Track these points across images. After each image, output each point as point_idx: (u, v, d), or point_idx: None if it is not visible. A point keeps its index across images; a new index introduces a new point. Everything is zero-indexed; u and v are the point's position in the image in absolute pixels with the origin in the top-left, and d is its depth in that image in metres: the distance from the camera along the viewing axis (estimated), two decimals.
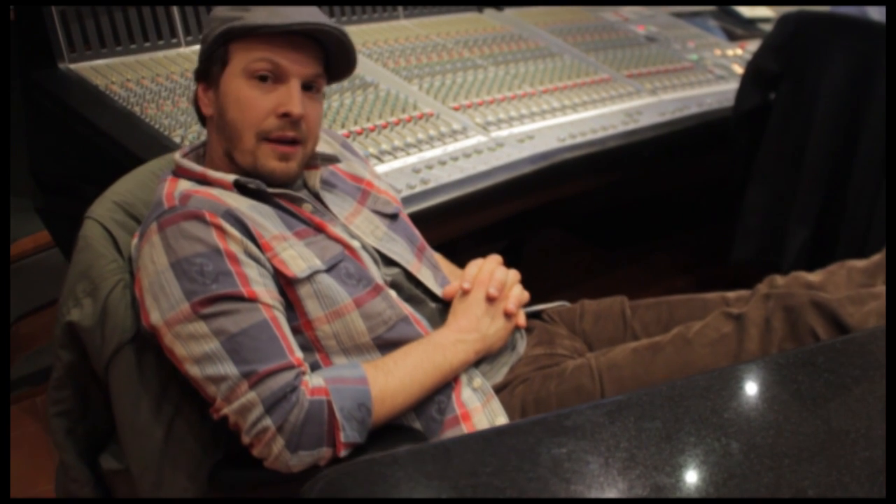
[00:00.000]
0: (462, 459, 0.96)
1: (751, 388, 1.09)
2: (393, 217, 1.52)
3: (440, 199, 1.86)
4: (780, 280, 1.58)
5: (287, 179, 1.39)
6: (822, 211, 2.37)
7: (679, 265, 3.16)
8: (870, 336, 1.22)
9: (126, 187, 1.45)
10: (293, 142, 1.37)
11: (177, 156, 1.43)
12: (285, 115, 1.34)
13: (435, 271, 1.51)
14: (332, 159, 1.49)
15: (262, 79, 1.34)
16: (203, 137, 1.50)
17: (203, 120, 1.44)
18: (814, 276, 1.59)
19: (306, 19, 1.34)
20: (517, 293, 1.48)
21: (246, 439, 1.24)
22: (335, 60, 1.41)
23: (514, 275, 1.50)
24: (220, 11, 1.37)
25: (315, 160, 1.46)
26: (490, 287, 1.44)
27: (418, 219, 1.73)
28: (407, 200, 1.80)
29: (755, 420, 1.01)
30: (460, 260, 1.59)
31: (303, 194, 1.42)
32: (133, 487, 1.36)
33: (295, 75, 1.35)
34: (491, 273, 1.47)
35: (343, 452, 1.24)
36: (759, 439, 0.96)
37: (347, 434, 1.23)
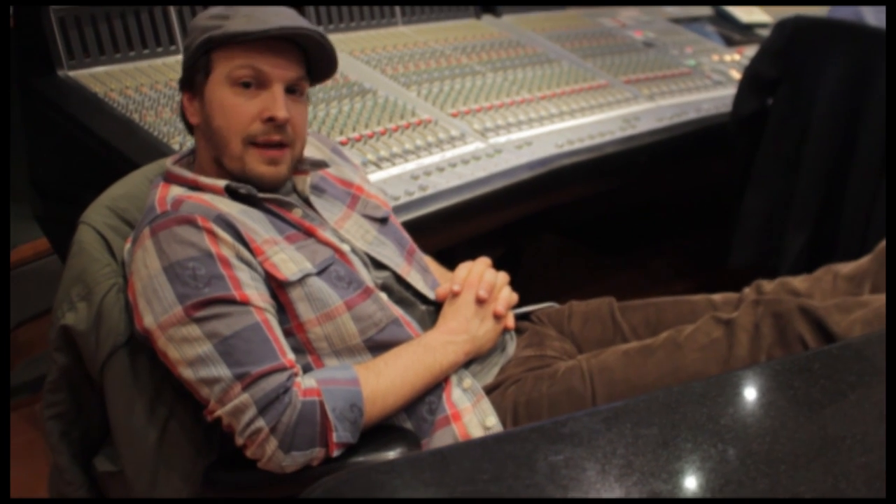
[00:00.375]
0: (459, 467, 0.97)
1: (747, 395, 1.10)
2: (383, 221, 1.54)
3: (438, 205, 1.86)
4: (766, 286, 1.60)
5: (276, 183, 1.41)
6: (820, 215, 2.37)
7: (677, 270, 3.16)
8: (866, 342, 1.22)
9: (119, 192, 1.47)
10: (280, 145, 1.38)
11: (168, 163, 1.45)
12: (270, 120, 1.35)
13: (424, 274, 1.52)
14: (320, 164, 1.51)
15: (246, 85, 1.36)
16: None
17: (190, 128, 1.45)
18: (800, 283, 1.61)
19: (284, 24, 1.35)
20: (506, 295, 1.50)
21: (239, 440, 1.25)
22: (316, 62, 1.42)
23: (503, 277, 1.52)
24: (201, 21, 1.38)
25: (304, 165, 1.47)
26: (479, 289, 1.46)
27: (417, 225, 1.73)
28: (405, 207, 1.81)
29: (752, 426, 1.01)
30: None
31: (292, 199, 1.43)
32: (127, 490, 1.38)
33: (277, 80, 1.36)
34: (480, 275, 1.48)
35: (335, 452, 1.26)
36: (756, 445, 0.96)
37: (340, 434, 1.25)
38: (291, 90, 1.39)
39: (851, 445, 0.95)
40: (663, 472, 0.92)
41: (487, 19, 2.85)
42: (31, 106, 1.95)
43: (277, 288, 1.32)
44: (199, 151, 1.44)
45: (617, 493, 0.90)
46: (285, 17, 1.37)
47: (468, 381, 1.42)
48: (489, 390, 1.43)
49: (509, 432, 1.30)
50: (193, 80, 1.40)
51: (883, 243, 1.63)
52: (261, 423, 1.22)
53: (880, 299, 1.45)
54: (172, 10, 2.12)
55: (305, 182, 1.47)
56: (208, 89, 1.38)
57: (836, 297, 1.56)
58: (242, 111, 1.36)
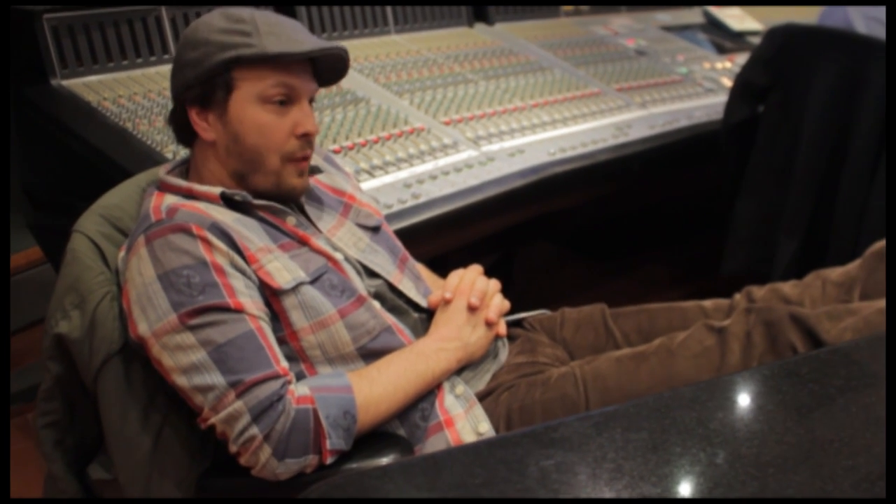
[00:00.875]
0: (451, 472, 0.97)
1: (736, 399, 1.10)
2: (375, 229, 1.54)
3: (431, 213, 1.87)
4: (757, 292, 1.61)
5: (304, 192, 1.44)
6: (812, 222, 2.38)
7: (670, 277, 3.17)
8: (854, 346, 1.23)
9: (112, 201, 1.47)
10: (306, 157, 1.42)
11: (161, 173, 1.44)
12: (305, 135, 1.38)
13: (417, 282, 1.53)
14: (313, 170, 1.52)
15: (281, 103, 1.37)
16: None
17: (185, 140, 1.44)
18: (790, 289, 1.62)
19: (320, 45, 1.38)
20: (498, 302, 1.51)
21: (233, 448, 1.25)
22: (324, 73, 1.44)
23: (494, 284, 1.53)
24: (211, 35, 1.36)
25: None
26: (471, 296, 1.47)
27: (410, 233, 1.74)
28: (398, 215, 1.81)
29: (740, 430, 1.02)
30: None
31: (287, 207, 1.44)
32: (121, 497, 1.38)
33: (305, 95, 1.39)
34: (472, 283, 1.49)
35: (329, 460, 1.26)
36: (745, 449, 0.97)
37: (333, 441, 1.25)
38: (310, 101, 1.42)
39: (839, 448, 0.96)
40: (653, 475, 0.93)
41: (480, 28, 2.86)
42: (23, 115, 1.95)
43: (271, 296, 1.33)
44: (208, 164, 1.42)
45: (607, 496, 0.91)
46: (308, 34, 1.40)
47: (460, 387, 1.42)
48: (482, 397, 1.44)
49: (501, 437, 1.31)
50: (210, 96, 1.37)
51: (871, 248, 1.64)
52: (254, 430, 1.23)
53: (870, 307, 1.46)
54: (166, 18, 2.13)
55: None
56: (234, 107, 1.37)
57: (825, 303, 1.58)
58: (278, 129, 1.37)
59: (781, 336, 1.42)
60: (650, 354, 1.45)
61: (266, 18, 1.37)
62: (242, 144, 1.38)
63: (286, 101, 1.38)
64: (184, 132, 1.42)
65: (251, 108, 1.37)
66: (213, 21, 1.38)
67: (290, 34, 1.37)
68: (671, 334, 1.50)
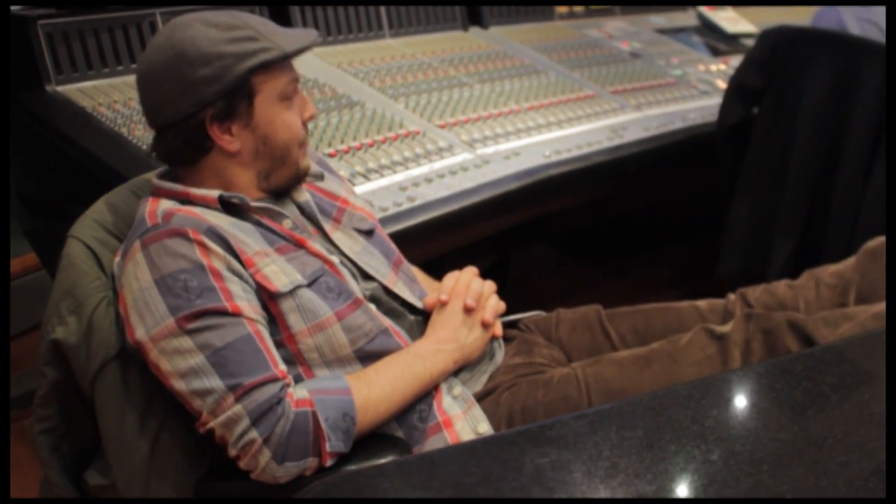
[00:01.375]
0: (447, 470, 0.98)
1: (731, 397, 1.11)
2: (369, 233, 1.55)
3: (427, 216, 1.87)
4: (751, 293, 1.62)
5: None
6: (806, 223, 2.39)
7: (666, 279, 3.17)
8: (847, 345, 1.24)
9: (107, 206, 1.47)
10: None
11: (154, 179, 1.44)
12: (310, 118, 1.45)
13: (412, 284, 1.54)
14: (318, 176, 1.52)
15: (291, 97, 1.41)
16: None
17: (190, 159, 1.40)
18: (784, 290, 1.63)
19: (313, 36, 1.42)
20: (493, 303, 1.52)
21: (232, 452, 1.25)
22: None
23: (489, 286, 1.54)
24: (221, 47, 1.33)
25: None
26: (467, 298, 1.48)
27: (405, 236, 1.74)
28: (394, 218, 1.82)
29: (735, 428, 1.02)
30: None
31: (286, 209, 1.44)
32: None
33: (298, 83, 1.43)
34: (467, 284, 1.50)
35: (328, 462, 1.26)
36: (739, 446, 0.97)
37: (333, 444, 1.25)
38: None
39: (832, 445, 0.97)
40: (648, 472, 0.93)
41: (475, 31, 2.87)
42: (18, 121, 1.95)
43: (269, 299, 1.33)
44: (224, 174, 1.40)
45: (602, 494, 0.91)
46: (293, 29, 1.45)
47: (458, 388, 1.43)
48: (480, 398, 1.45)
49: (496, 436, 1.31)
50: (234, 108, 1.36)
51: (865, 246, 1.65)
52: (254, 434, 1.23)
53: (866, 311, 1.48)
54: (160, 24, 2.13)
55: (302, 190, 1.49)
56: (260, 111, 1.37)
57: (820, 305, 1.59)
58: (297, 121, 1.42)
59: (780, 343, 1.44)
60: (653, 359, 1.46)
61: (252, 19, 1.38)
62: (273, 144, 1.40)
63: (295, 93, 1.41)
64: (194, 152, 1.39)
65: (275, 108, 1.39)
66: (208, 33, 1.33)
67: (282, 30, 1.39)
68: (672, 337, 1.50)
